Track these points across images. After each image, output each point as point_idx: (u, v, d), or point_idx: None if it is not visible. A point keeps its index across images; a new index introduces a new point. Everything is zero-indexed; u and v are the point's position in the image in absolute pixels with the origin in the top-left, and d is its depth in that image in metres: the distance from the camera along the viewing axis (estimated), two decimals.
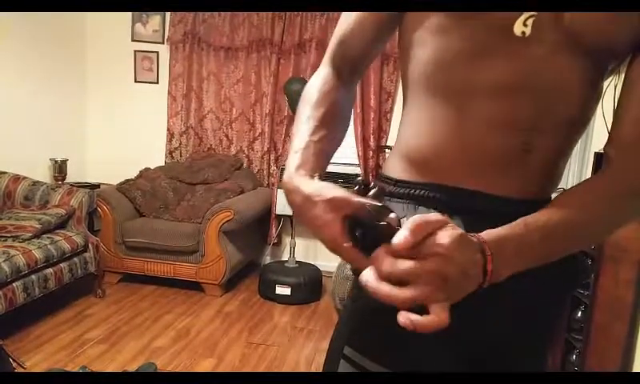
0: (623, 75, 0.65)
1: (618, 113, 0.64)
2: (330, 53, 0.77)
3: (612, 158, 0.64)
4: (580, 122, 0.67)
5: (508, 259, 0.54)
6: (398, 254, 0.49)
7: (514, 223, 0.57)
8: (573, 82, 0.62)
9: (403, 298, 0.48)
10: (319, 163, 0.63)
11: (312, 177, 0.59)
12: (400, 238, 0.48)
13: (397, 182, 0.70)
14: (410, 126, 0.71)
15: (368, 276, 0.50)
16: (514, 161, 0.64)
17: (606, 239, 0.69)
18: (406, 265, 0.48)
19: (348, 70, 0.76)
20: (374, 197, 0.53)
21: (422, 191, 0.67)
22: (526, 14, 0.60)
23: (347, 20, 0.75)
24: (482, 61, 0.62)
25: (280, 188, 3.67)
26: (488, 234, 0.54)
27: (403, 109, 0.74)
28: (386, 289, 0.49)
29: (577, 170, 2.87)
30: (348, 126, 0.77)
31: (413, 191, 0.68)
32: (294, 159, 0.63)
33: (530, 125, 0.63)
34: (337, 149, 0.71)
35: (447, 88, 0.65)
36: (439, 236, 0.49)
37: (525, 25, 0.60)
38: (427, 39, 0.66)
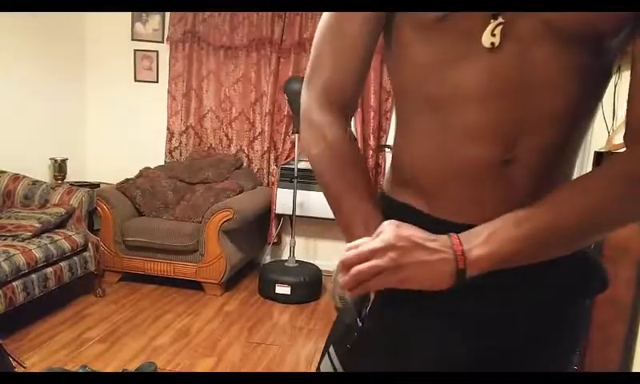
0: (625, 72, 0.62)
1: (628, 101, 0.61)
2: (325, 90, 0.71)
3: (631, 143, 0.61)
4: (577, 116, 0.61)
5: (484, 239, 0.58)
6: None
7: None
8: (559, 74, 0.58)
9: (347, 279, 0.59)
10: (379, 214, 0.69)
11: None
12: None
13: (390, 201, 0.72)
14: (397, 142, 0.72)
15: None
16: (495, 174, 0.61)
17: (605, 235, 0.63)
18: (348, 253, 0.59)
19: (348, 104, 0.73)
20: None
21: (405, 216, 0.65)
22: (492, 24, 0.57)
23: (333, 54, 0.70)
24: (457, 70, 0.60)
25: (280, 187, 3.67)
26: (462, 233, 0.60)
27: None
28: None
29: (576, 169, 2.87)
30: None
31: (398, 215, 0.66)
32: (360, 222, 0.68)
33: (508, 131, 0.59)
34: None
35: (425, 103, 0.64)
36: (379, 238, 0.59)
37: (493, 35, 0.58)
38: (402, 57, 0.66)
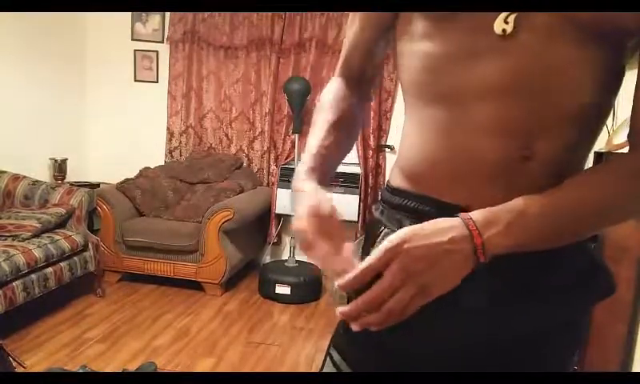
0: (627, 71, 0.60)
1: (635, 102, 0.58)
2: (340, 65, 0.82)
3: (633, 144, 0.60)
4: (592, 114, 0.60)
5: (504, 230, 0.55)
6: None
7: (514, 200, 0.58)
8: (575, 69, 0.56)
9: (379, 319, 0.56)
10: (325, 168, 0.71)
11: (318, 183, 0.67)
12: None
13: (393, 190, 0.70)
14: (406, 137, 0.70)
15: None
16: (511, 170, 0.59)
17: (617, 223, 0.64)
18: (367, 295, 0.55)
19: (356, 80, 0.81)
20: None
21: (414, 203, 0.66)
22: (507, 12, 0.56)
23: (349, 34, 0.80)
24: (470, 63, 0.59)
25: (280, 187, 3.67)
26: (478, 211, 0.57)
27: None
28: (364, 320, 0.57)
29: None
30: (359, 129, 0.84)
31: (406, 202, 0.67)
32: (304, 162, 0.70)
33: (527, 126, 0.58)
34: (348, 151, 0.79)
35: (436, 96, 0.63)
36: (380, 248, 0.55)
37: (506, 22, 0.56)
38: (414, 48, 0.65)
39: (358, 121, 0.81)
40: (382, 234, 0.69)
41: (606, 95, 0.60)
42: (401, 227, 0.64)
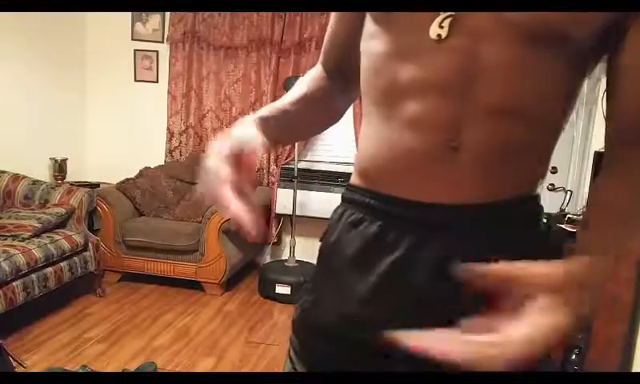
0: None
1: (616, 97, 0.58)
2: (321, 57, 0.84)
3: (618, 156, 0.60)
4: (530, 114, 0.59)
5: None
6: None
7: None
8: (507, 69, 0.56)
9: None
10: (275, 125, 0.73)
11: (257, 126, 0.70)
12: None
13: (347, 186, 0.74)
14: (360, 136, 0.74)
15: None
16: (441, 161, 0.60)
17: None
18: None
19: (336, 73, 0.83)
20: None
21: (360, 197, 0.69)
22: (442, 15, 0.56)
23: (328, 32, 0.82)
24: (404, 63, 0.60)
25: (280, 187, 3.67)
26: None
27: None
28: None
29: (576, 169, 2.87)
30: (332, 111, 0.86)
31: (354, 195, 0.71)
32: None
33: (452, 120, 0.58)
34: (314, 129, 0.84)
35: (377, 95, 0.65)
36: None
37: (441, 27, 0.56)
38: (365, 47, 0.68)
39: (331, 103, 0.84)
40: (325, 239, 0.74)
41: (552, 97, 0.59)
42: (340, 220, 0.71)
